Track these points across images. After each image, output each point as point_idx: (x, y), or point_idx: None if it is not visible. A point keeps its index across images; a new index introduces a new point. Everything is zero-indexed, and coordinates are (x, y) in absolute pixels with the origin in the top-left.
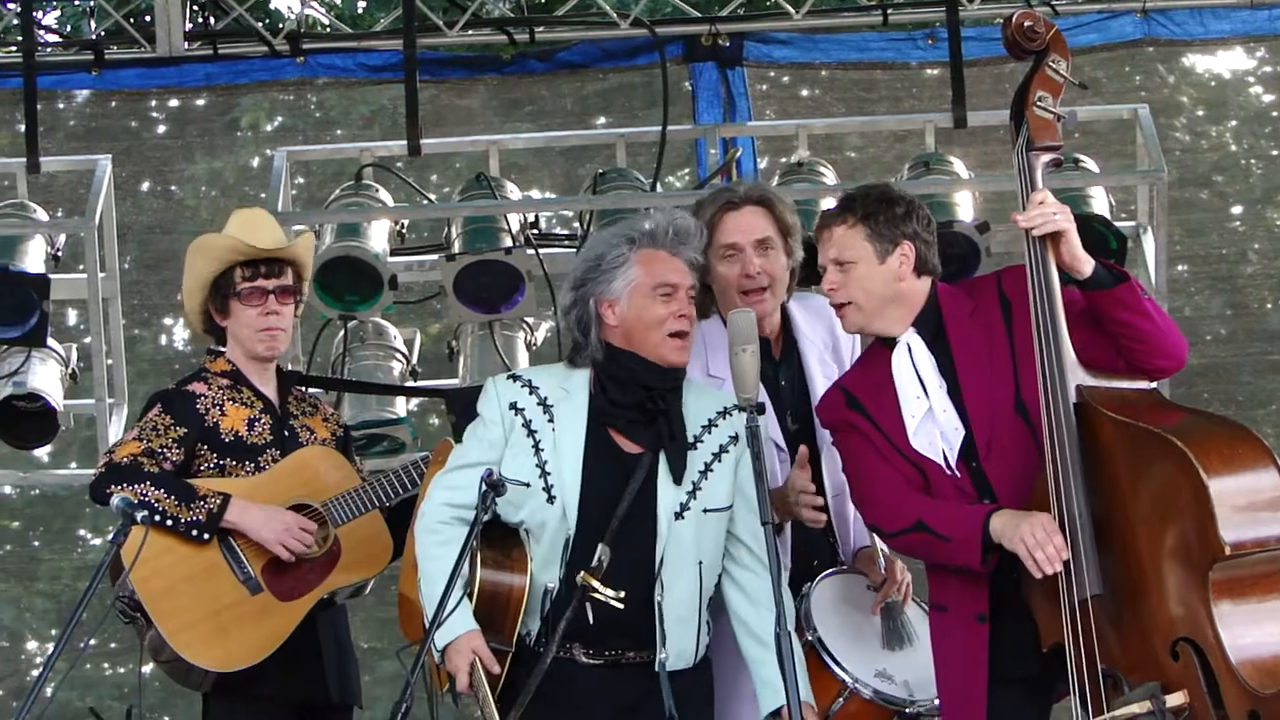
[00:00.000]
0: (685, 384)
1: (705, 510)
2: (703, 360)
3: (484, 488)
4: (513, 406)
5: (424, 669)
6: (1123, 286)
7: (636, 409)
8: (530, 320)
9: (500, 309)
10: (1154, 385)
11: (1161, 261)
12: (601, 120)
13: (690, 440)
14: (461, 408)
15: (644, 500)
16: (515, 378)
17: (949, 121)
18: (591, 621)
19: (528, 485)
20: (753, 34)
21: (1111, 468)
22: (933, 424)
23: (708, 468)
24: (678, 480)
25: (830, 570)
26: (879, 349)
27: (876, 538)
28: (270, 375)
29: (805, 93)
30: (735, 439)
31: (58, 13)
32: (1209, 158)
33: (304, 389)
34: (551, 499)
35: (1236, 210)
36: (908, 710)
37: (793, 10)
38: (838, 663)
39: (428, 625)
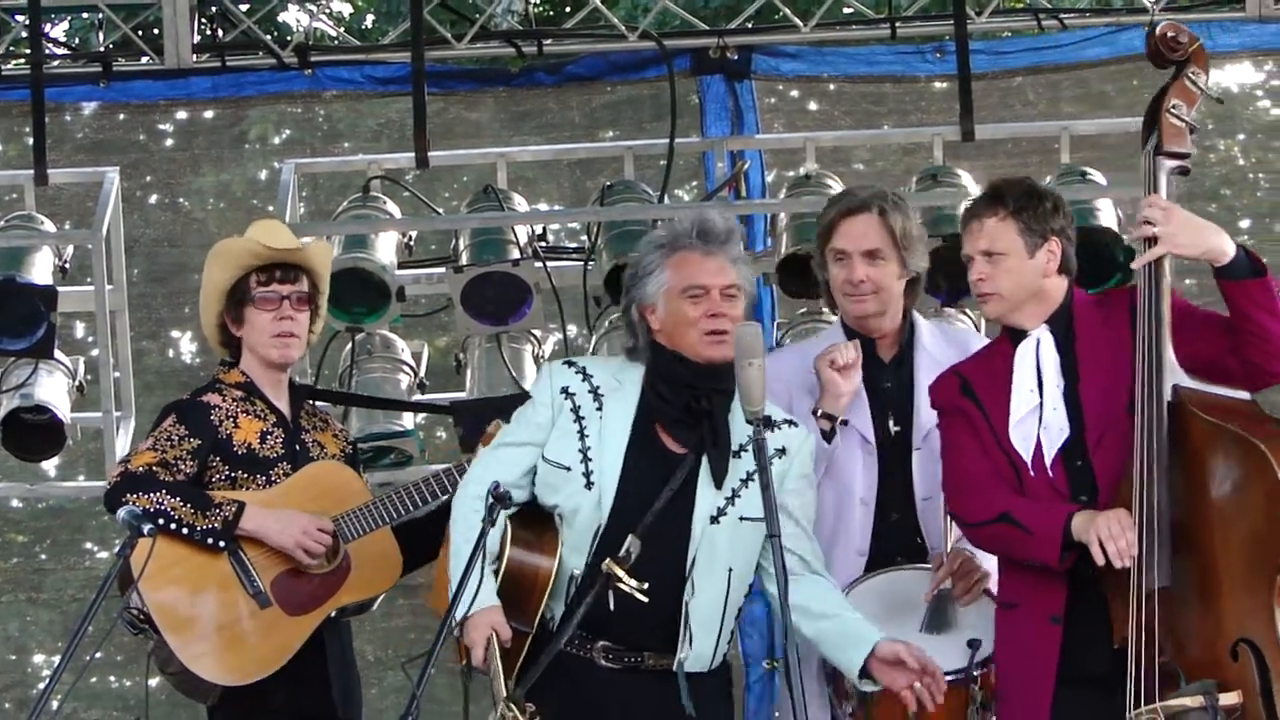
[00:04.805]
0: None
1: (741, 519)
2: (785, 400)
3: (490, 500)
4: (564, 391)
5: (452, 646)
6: (1256, 281)
7: (683, 409)
8: (538, 333)
9: (508, 321)
10: (1253, 397)
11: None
12: (609, 133)
13: (735, 448)
14: (469, 422)
15: (681, 501)
16: (571, 363)
17: (957, 135)
18: (612, 609)
19: (568, 470)
20: (761, 47)
21: (1197, 468)
22: (1034, 421)
23: (750, 476)
24: (718, 485)
25: (902, 565)
26: (1004, 342)
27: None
28: (283, 388)
29: (813, 106)
30: (782, 452)
31: (66, 25)
32: (1216, 171)
33: (314, 403)
34: (589, 485)
35: (1244, 224)
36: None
37: (801, 23)
38: None
39: (451, 599)
